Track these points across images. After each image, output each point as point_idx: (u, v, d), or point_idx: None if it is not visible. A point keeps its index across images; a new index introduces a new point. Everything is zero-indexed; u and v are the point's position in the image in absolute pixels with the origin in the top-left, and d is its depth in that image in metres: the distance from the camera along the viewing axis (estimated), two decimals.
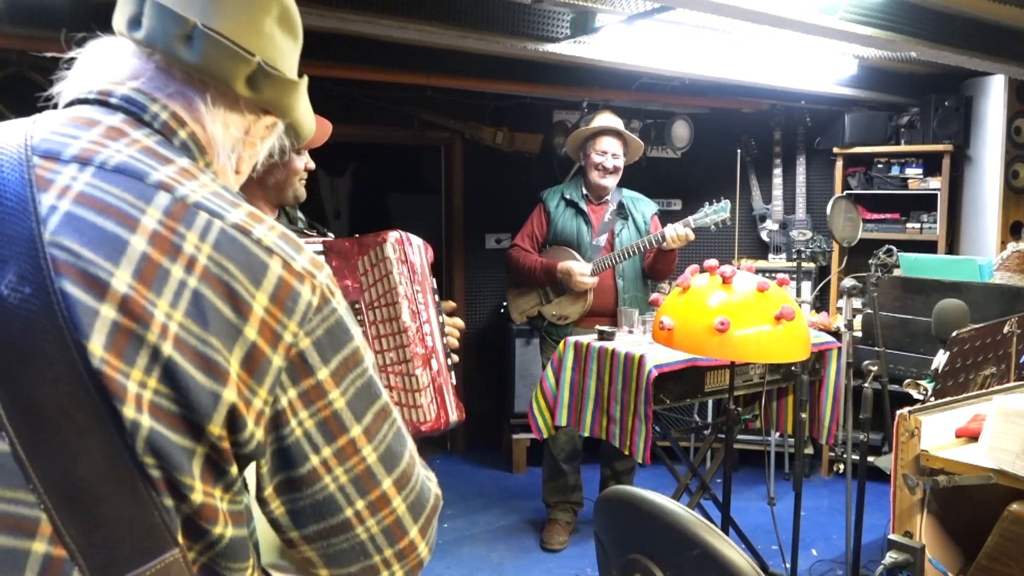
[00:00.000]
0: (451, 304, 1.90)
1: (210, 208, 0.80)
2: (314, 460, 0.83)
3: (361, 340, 0.87)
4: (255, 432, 0.79)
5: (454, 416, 1.71)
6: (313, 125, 1.05)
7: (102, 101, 0.85)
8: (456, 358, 1.84)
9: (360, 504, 0.86)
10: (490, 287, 5.03)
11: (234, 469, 0.80)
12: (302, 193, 2.00)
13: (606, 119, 3.82)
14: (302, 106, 1.01)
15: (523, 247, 3.83)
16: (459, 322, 1.91)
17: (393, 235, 1.73)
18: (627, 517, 1.39)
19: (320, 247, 1.73)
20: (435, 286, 1.85)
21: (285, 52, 0.95)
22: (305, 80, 1.00)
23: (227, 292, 0.77)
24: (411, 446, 0.93)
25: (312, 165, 2.03)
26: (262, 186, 1.97)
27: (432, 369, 1.71)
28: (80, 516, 0.72)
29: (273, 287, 0.79)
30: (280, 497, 0.84)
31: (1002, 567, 1.55)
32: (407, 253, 1.73)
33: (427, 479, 0.95)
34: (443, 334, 1.82)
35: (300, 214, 2.18)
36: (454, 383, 1.81)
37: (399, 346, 1.70)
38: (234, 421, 0.77)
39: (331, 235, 2.04)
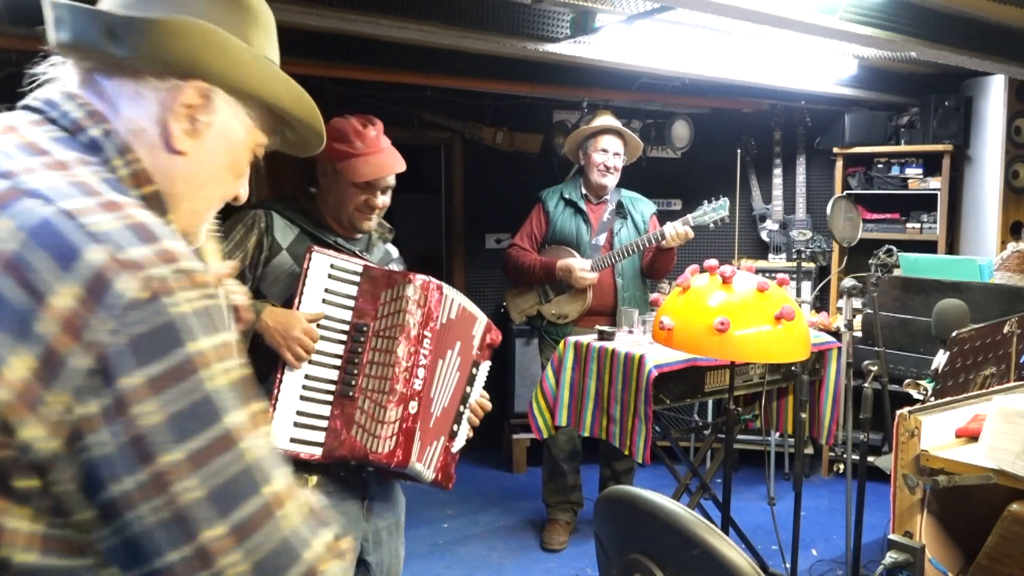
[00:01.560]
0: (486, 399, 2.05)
1: (46, 195, 0.74)
2: (113, 489, 0.69)
3: (218, 351, 0.74)
4: (43, 439, 0.69)
5: (416, 464, 1.79)
6: (299, 98, 0.96)
7: (29, 105, 0.86)
8: (468, 432, 1.99)
9: (174, 555, 0.70)
10: (490, 287, 5.03)
11: (26, 481, 0.70)
12: (361, 225, 2.03)
13: (605, 119, 3.82)
14: (252, 70, 0.90)
15: (522, 247, 3.83)
16: (487, 404, 2.04)
17: (420, 278, 1.84)
18: (627, 517, 1.39)
19: (360, 268, 1.86)
20: (477, 360, 1.99)
21: (194, 10, 0.87)
22: (232, 39, 0.88)
23: (24, 280, 0.70)
24: (278, 490, 0.76)
25: (381, 203, 2.02)
26: (324, 202, 2.05)
27: (407, 410, 1.79)
28: None
29: (83, 276, 0.70)
30: (85, 531, 0.71)
31: (1002, 567, 1.55)
32: (429, 301, 1.83)
33: (312, 532, 0.78)
34: (463, 402, 1.96)
35: (390, 249, 2.18)
36: (454, 451, 1.93)
37: (383, 377, 1.80)
38: (7, 424, 0.68)
39: (402, 267, 2.16)
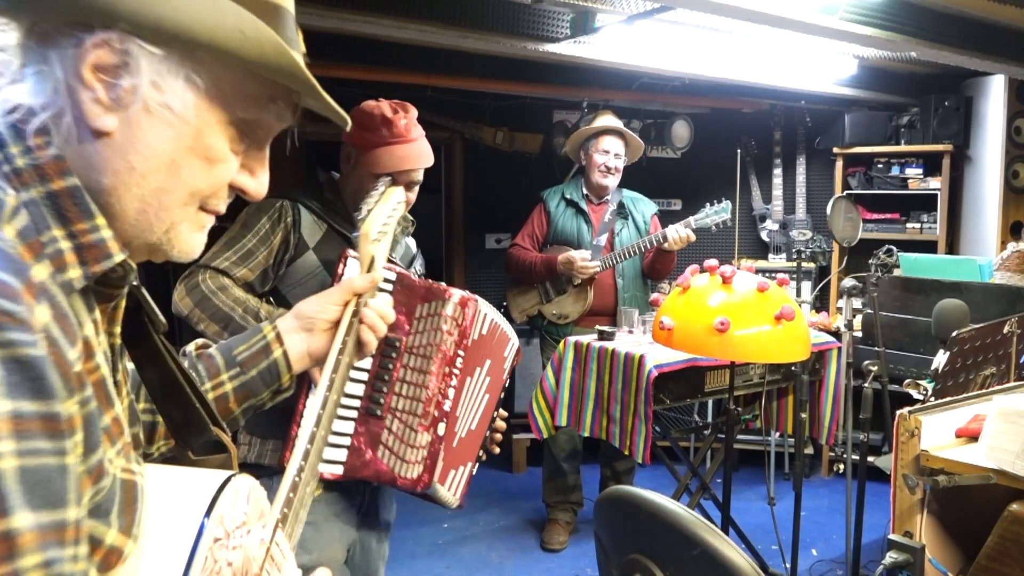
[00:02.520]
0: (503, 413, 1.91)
1: None
2: None
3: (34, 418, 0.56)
4: None
5: (438, 486, 1.70)
6: (259, 42, 0.69)
7: None
8: (483, 456, 1.86)
9: None
10: (490, 287, 5.02)
11: None
12: None
13: (607, 119, 3.82)
14: (178, 5, 0.66)
15: (523, 246, 3.84)
16: (502, 425, 1.91)
17: (460, 294, 1.70)
18: (627, 517, 1.39)
19: (394, 276, 1.71)
20: (505, 381, 1.86)
21: None
22: None
23: None
24: None
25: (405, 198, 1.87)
26: (344, 190, 1.89)
27: (436, 433, 1.68)
28: None
29: None
30: None
31: (1002, 567, 1.55)
32: (466, 319, 1.70)
33: None
34: (491, 427, 1.84)
35: (410, 243, 2.06)
36: (472, 472, 1.82)
37: (414, 398, 1.68)
38: None
39: (421, 261, 2.05)
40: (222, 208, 0.78)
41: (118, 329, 0.78)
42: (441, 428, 1.69)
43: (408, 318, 1.70)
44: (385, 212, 1.30)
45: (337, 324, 1.15)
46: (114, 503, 0.66)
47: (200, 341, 1.18)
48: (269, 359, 1.13)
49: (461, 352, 1.70)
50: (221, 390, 1.09)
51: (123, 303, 0.78)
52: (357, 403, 1.70)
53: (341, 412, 1.67)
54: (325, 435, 1.03)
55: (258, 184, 0.79)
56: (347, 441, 1.69)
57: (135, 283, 0.80)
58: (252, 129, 0.75)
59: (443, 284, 1.76)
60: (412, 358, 1.70)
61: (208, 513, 0.72)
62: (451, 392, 1.70)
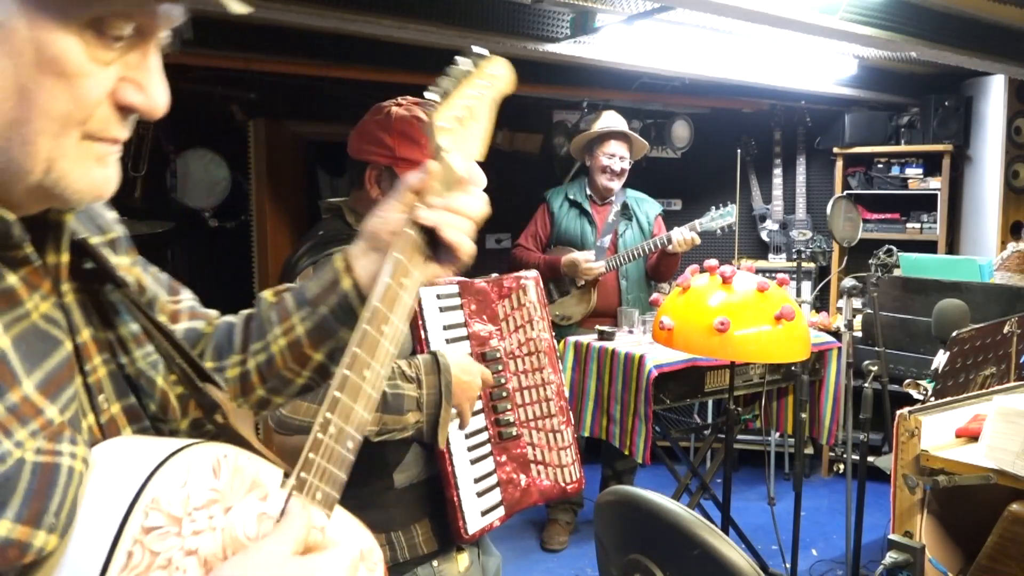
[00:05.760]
0: None
1: None
2: None
3: None
4: None
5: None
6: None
7: None
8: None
9: None
10: None
11: None
12: None
13: (611, 121, 3.82)
14: None
15: (526, 247, 3.84)
16: None
17: (528, 275, 1.60)
18: (627, 517, 1.38)
19: (456, 288, 1.54)
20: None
21: None
22: None
23: None
24: None
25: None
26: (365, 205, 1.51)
27: (573, 425, 1.60)
28: None
29: None
30: None
31: (1002, 567, 1.55)
32: (542, 295, 1.60)
33: None
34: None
35: None
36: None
37: (543, 399, 1.56)
38: None
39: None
40: (117, 133, 0.65)
41: (69, 287, 0.71)
42: (572, 416, 1.64)
43: (495, 323, 1.56)
44: (467, 95, 0.99)
45: None
46: (13, 491, 0.58)
47: (280, 287, 1.01)
48: (339, 293, 0.93)
49: (553, 332, 1.61)
50: (293, 335, 0.94)
51: (63, 258, 0.70)
52: (484, 436, 1.55)
53: (481, 451, 1.51)
54: (373, 381, 0.79)
55: (148, 99, 0.65)
56: (493, 480, 1.54)
57: (82, 237, 0.73)
58: (112, 27, 0.60)
59: (493, 275, 1.62)
60: (520, 360, 1.58)
61: (135, 500, 0.61)
62: (563, 375, 1.61)
